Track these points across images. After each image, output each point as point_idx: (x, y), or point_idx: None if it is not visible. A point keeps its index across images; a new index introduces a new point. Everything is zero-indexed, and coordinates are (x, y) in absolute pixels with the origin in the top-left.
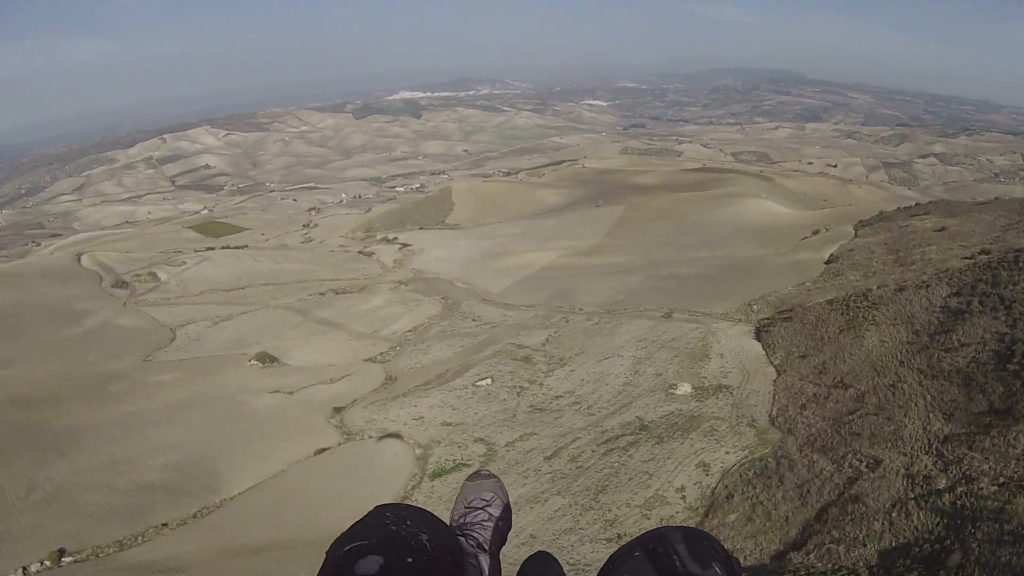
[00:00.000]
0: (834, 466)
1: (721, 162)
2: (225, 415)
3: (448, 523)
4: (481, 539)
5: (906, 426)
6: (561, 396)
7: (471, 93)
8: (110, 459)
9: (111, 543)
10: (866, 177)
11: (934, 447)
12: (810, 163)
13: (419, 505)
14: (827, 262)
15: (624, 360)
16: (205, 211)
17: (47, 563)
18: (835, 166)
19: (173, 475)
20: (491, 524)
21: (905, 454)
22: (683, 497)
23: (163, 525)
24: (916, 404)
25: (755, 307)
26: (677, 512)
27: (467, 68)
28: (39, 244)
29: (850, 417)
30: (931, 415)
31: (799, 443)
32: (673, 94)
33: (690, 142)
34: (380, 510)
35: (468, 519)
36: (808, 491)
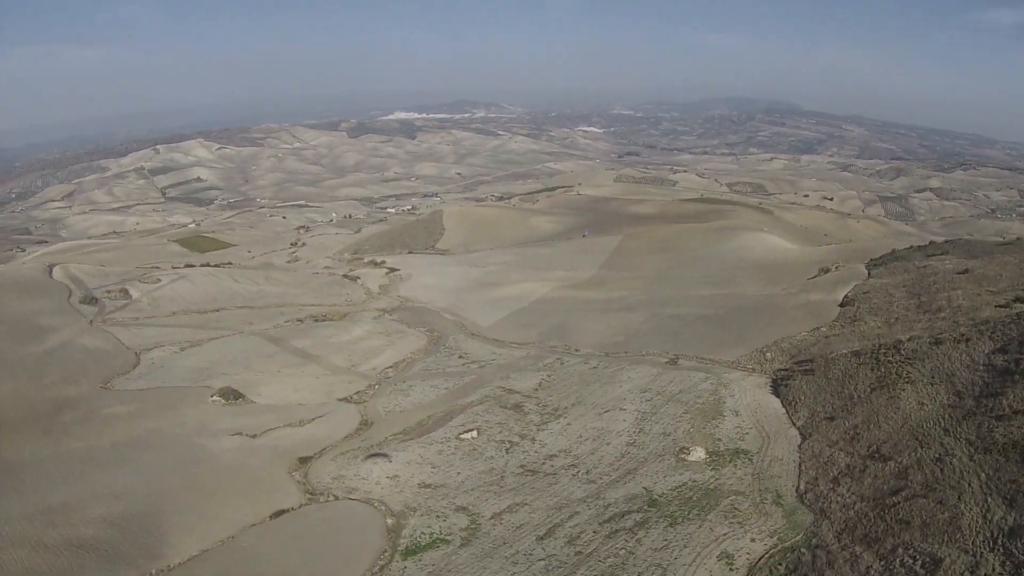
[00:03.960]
0: (883, 564)
1: (718, 192)
2: (179, 460)
3: None
4: None
5: (963, 514)
6: (556, 455)
7: (466, 116)
8: (46, 506)
9: None
10: (863, 211)
11: (1000, 543)
12: (806, 195)
13: None
14: (842, 304)
15: (627, 414)
16: (193, 224)
17: None
18: (831, 199)
19: (111, 532)
20: None
21: (967, 551)
22: None
23: None
24: (970, 484)
25: (768, 355)
26: None
27: (464, 90)
28: (24, 250)
29: (894, 499)
30: (990, 500)
31: (836, 530)
32: (668, 122)
33: (685, 171)
34: None
35: None
36: None
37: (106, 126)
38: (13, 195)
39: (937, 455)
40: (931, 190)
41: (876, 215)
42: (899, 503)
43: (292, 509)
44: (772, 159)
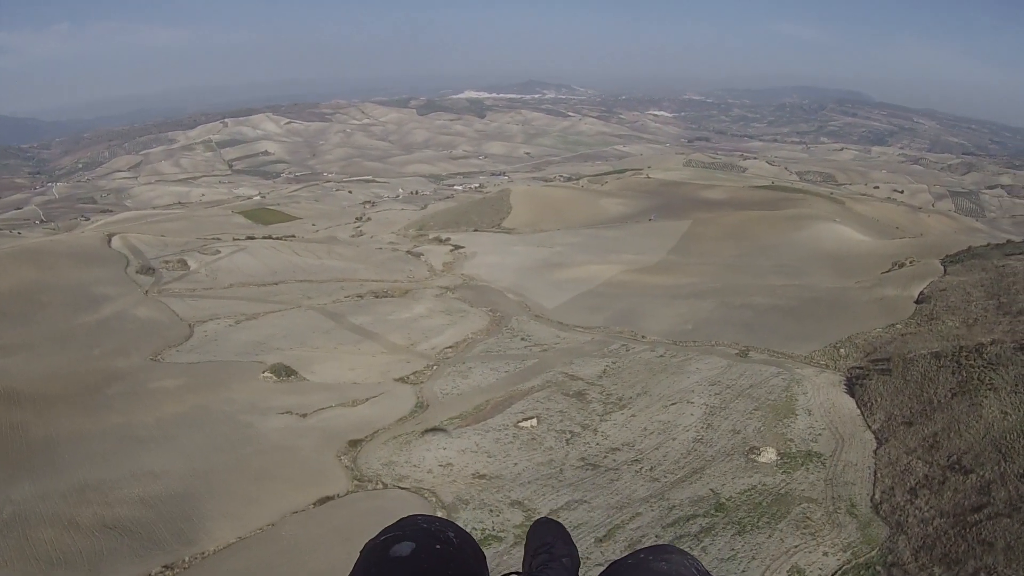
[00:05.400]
0: None
1: (788, 181)
2: (224, 439)
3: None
4: None
5: None
6: (618, 449)
7: (536, 96)
8: (81, 484)
9: None
10: (932, 205)
11: None
12: (876, 187)
13: None
14: (917, 301)
15: (695, 408)
16: (258, 197)
17: None
18: (902, 192)
19: (147, 513)
20: (555, 563)
21: None
22: None
23: None
24: None
25: (842, 351)
26: None
27: (534, 72)
28: (88, 219)
29: (976, 516)
30: None
31: (913, 547)
32: (739, 109)
33: (755, 158)
34: (413, 516)
35: (535, 563)
36: None
37: (175, 100)
38: (80, 165)
39: (1022, 470)
40: (1002, 187)
41: (947, 210)
42: (981, 521)
43: (338, 496)
44: (843, 149)
